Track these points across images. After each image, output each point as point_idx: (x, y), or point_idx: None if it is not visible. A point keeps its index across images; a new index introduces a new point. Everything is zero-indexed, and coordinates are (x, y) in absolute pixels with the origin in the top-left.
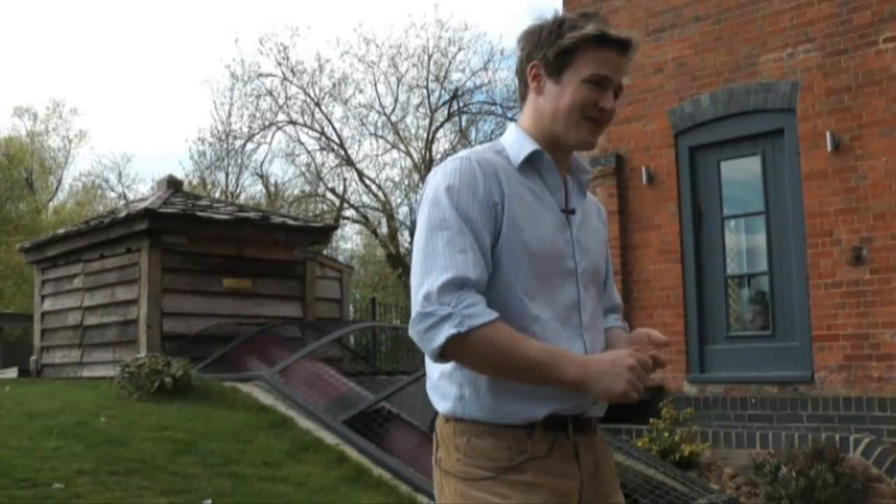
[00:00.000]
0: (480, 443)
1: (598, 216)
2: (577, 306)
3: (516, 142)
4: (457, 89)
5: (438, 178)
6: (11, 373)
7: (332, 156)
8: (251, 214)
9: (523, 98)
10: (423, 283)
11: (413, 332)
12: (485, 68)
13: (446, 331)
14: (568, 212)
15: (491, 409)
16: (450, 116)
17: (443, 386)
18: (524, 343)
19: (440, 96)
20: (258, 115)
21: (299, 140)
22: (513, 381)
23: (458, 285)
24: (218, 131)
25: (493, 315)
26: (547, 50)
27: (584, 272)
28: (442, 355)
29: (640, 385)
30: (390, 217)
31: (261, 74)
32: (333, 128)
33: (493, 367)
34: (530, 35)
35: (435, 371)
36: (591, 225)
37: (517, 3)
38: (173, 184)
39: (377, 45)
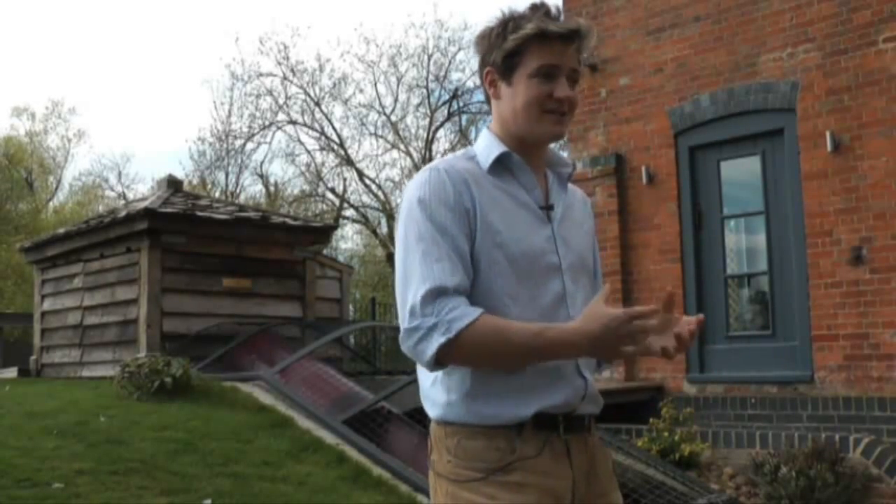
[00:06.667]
0: (470, 444)
1: (582, 207)
2: (564, 300)
3: (486, 146)
4: (457, 89)
5: (410, 191)
6: (11, 372)
7: (332, 156)
8: (251, 214)
9: (488, 102)
10: (406, 298)
11: (405, 348)
12: None
13: (436, 340)
14: (547, 208)
15: (477, 412)
16: (450, 116)
17: (433, 394)
18: (514, 330)
19: (440, 96)
20: (258, 114)
21: (299, 140)
22: (517, 367)
23: (437, 294)
24: (218, 131)
25: (477, 311)
26: (496, 54)
27: (570, 266)
28: (438, 363)
29: (636, 341)
30: (390, 217)
31: (261, 74)
32: (333, 127)
33: (491, 361)
34: (481, 39)
35: (426, 380)
36: (575, 217)
37: (516, 2)
38: (173, 183)
39: (377, 45)
